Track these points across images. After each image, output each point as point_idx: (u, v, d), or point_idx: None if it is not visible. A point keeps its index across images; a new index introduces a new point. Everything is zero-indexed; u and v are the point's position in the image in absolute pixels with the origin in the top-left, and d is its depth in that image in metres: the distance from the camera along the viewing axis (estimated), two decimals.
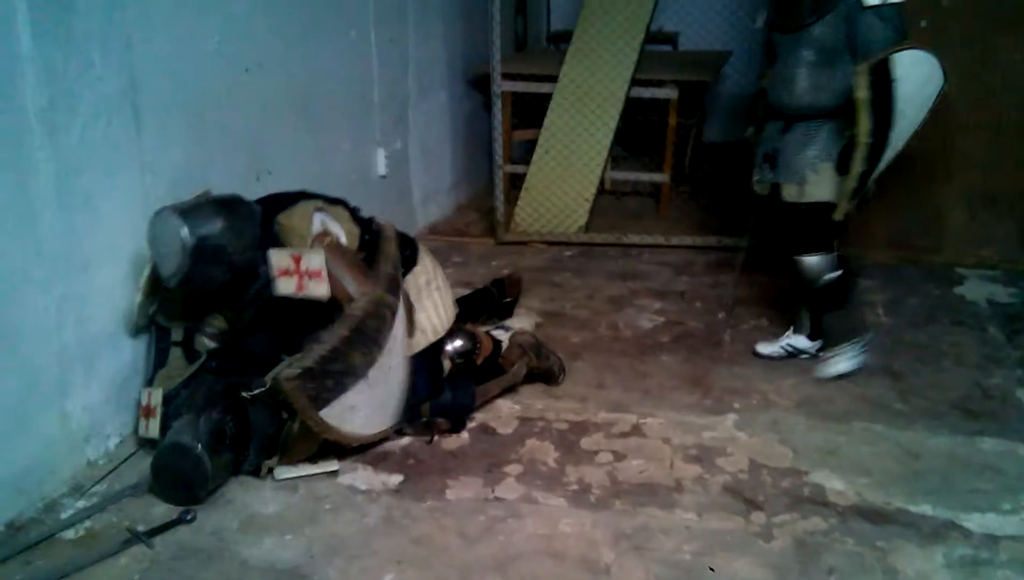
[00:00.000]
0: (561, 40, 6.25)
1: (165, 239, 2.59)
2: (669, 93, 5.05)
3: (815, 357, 3.44)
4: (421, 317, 3.00)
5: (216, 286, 2.72)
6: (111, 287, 2.76)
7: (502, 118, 4.89)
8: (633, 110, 5.14)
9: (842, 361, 3.34)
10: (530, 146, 5.12)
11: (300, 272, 2.65)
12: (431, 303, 3.05)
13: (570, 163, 4.90)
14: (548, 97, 5.04)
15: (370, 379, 2.68)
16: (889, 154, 3.06)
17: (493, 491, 2.65)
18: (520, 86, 5.15)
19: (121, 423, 2.86)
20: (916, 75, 2.96)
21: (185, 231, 2.56)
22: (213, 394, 2.70)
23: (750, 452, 2.84)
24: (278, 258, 2.67)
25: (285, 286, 2.66)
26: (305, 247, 2.72)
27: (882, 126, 2.97)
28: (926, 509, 2.54)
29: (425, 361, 2.98)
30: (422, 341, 2.98)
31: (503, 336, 3.40)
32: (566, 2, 6.69)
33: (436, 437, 2.91)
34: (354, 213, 3.00)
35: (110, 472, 2.70)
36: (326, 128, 3.94)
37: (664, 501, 2.60)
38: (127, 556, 2.37)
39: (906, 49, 2.95)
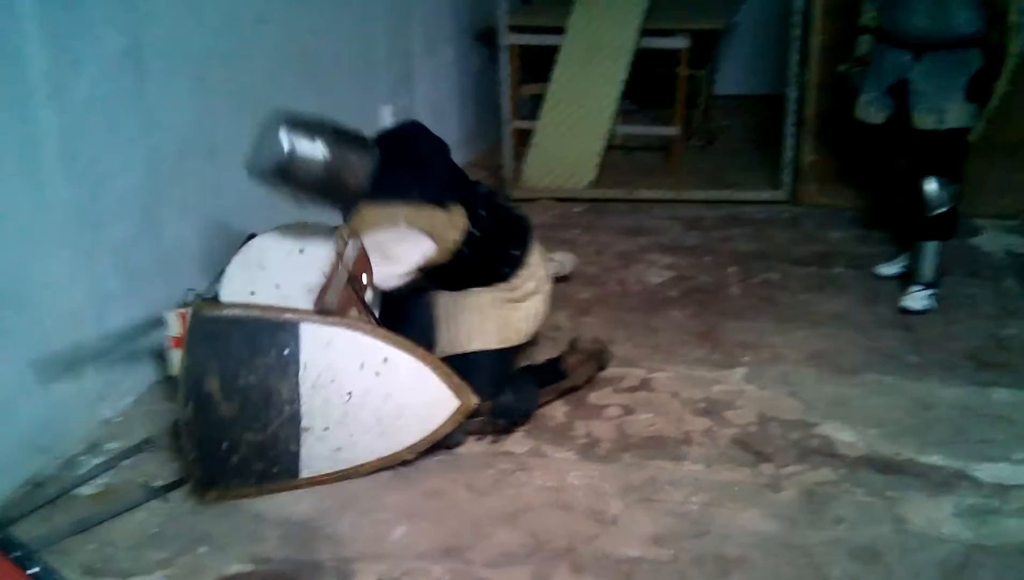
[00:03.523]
0: None
1: (265, 139, 2.44)
2: (680, 43, 4.96)
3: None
4: (488, 325, 2.78)
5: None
6: (121, 245, 2.77)
7: (509, 72, 4.83)
8: (643, 61, 5.06)
9: (920, 299, 3.40)
10: (538, 101, 5.06)
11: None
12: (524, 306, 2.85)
13: (579, 117, 4.84)
14: (556, 50, 4.96)
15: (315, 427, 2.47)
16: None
17: (502, 445, 2.67)
18: (527, 39, 5.06)
19: (136, 382, 2.89)
20: None
21: (284, 137, 2.39)
22: None
23: (759, 405, 2.84)
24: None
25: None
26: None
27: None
28: (936, 459, 2.53)
29: (488, 362, 2.76)
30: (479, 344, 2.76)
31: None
32: None
33: (494, 439, 2.71)
34: (471, 209, 2.70)
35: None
36: (331, 85, 3.90)
37: (672, 454, 2.61)
38: (144, 510, 2.41)
39: None
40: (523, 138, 5.05)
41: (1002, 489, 2.40)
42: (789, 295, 3.60)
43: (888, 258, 3.76)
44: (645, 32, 4.88)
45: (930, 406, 2.81)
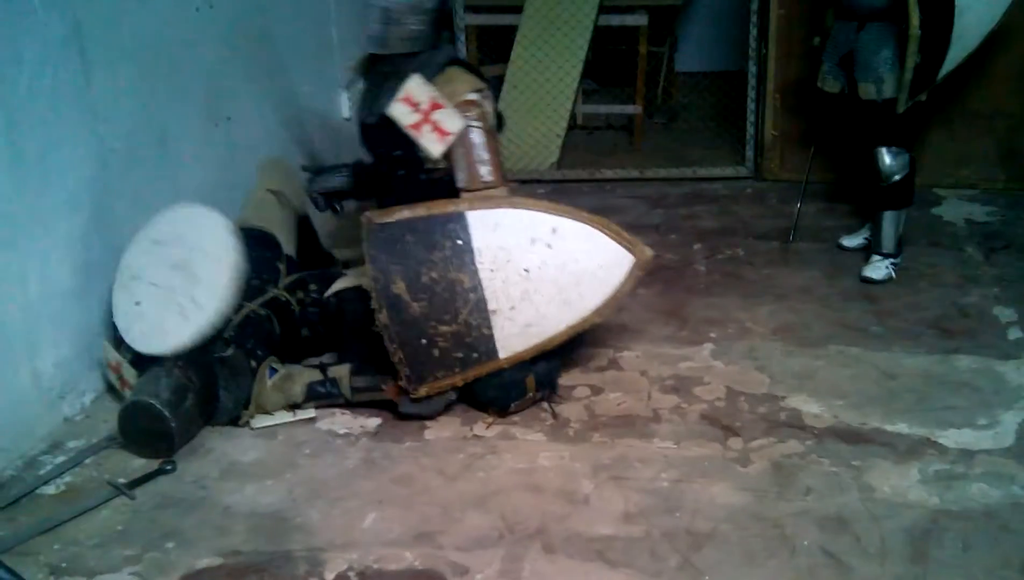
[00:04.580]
0: None
1: None
2: (638, 19, 4.94)
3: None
4: None
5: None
6: (73, 241, 2.70)
7: (467, 53, 4.78)
8: (603, 39, 5.04)
9: (879, 269, 3.45)
10: (498, 82, 5.02)
11: (428, 116, 2.57)
12: None
13: (539, 98, 4.81)
14: (514, 30, 4.92)
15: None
16: (955, 52, 3.22)
17: (471, 429, 2.66)
18: (484, 19, 5.02)
19: (95, 378, 2.84)
20: None
21: None
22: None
23: (727, 380, 2.85)
24: (416, 87, 2.57)
25: (402, 114, 2.58)
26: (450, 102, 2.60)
27: (940, 22, 3.13)
28: (902, 427, 2.56)
29: None
30: None
31: None
32: None
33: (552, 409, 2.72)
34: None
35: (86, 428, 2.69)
36: (285, 71, 3.84)
37: (642, 431, 2.61)
38: (109, 508, 2.36)
39: None
40: None
41: (967, 454, 2.44)
42: (754, 270, 3.63)
43: (851, 231, 3.79)
44: (603, 9, 4.86)
45: (895, 375, 2.84)
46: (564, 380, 2.88)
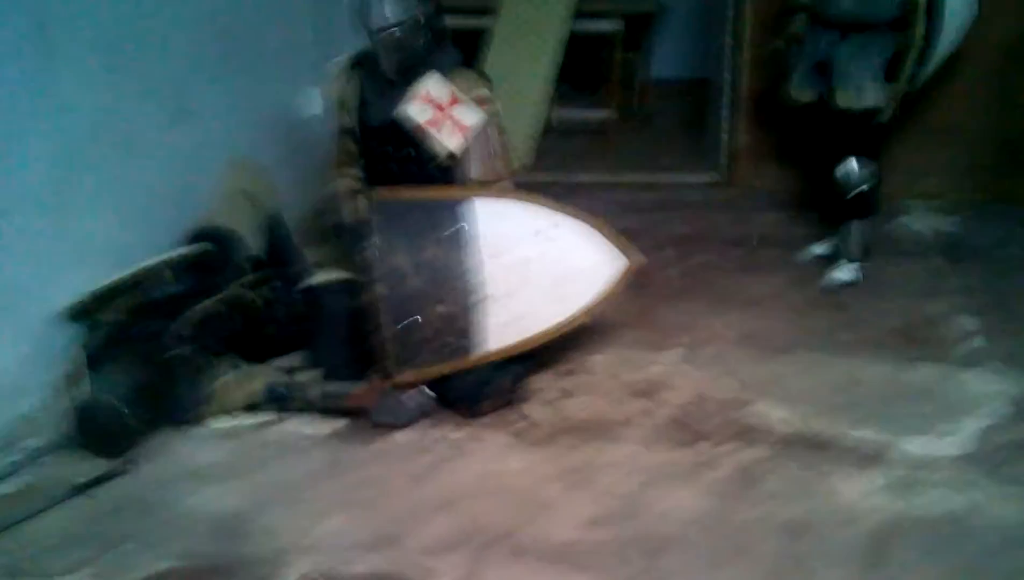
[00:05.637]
0: None
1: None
2: (612, 26, 4.96)
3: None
4: None
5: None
6: (32, 234, 2.64)
7: None
8: (577, 45, 5.05)
9: (848, 271, 3.50)
10: None
11: (446, 112, 2.63)
12: None
13: (514, 102, 4.79)
14: (489, 32, 4.91)
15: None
16: (935, 62, 3.32)
17: (440, 431, 2.64)
18: (457, 21, 4.99)
19: (53, 375, 2.78)
20: None
21: None
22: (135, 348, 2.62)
23: (696, 385, 2.86)
24: (436, 85, 2.64)
25: (418, 112, 2.65)
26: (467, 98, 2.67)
27: (930, 32, 3.20)
28: (866, 434, 2.58)
29: None
30: None
31: None
32: None
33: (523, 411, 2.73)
34: None
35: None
36: (255, 68, 3.78)
37: (610, 435, 2.61)
38: (68, 507, 2.32)
39: None
40: None
41: (929, 460, 2.46)
42: (725, 276, 3.64)
43: (818, 239, 3.82)
44: (578, 15, 4.87)
45: (860, 382, 2.86)
46: (534, 383, 2.86)
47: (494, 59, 4.87)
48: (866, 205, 3.49)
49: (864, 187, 3.44)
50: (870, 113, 3.35)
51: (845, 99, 3.36)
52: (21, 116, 2.57)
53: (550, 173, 4.78)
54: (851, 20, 3.33)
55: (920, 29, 3.18)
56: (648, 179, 4.70)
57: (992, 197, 4.21)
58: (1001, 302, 3.33)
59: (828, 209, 3.76)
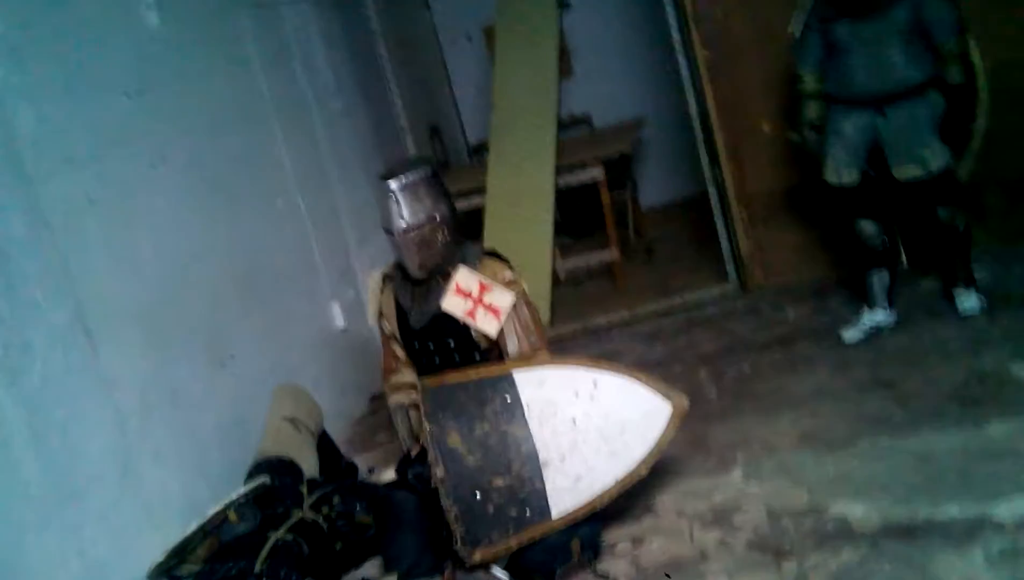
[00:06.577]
0: (483, 152, 6.38)
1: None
2: (595, 173, 5.14)
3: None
4: None
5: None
6: (105, 511, 2.68)
7: None
8: (567, 197, 5.22)
9: (973, 297, 3.56)
10: None
11: (479, 300, 2.77)
12: None
13: (519, 267, 4.91)
14: (482, 210, 5.10)
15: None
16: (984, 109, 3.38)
17: None
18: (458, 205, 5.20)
19: None
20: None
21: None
22: None
23: (765, 501, 2.77)
24: (465, 277, 2.79)
25: (454, 305, 2.78)
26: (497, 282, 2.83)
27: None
28: (953, 511, 2.47)
29: None
30: None
31: None
32: (478, 114, 6.84)
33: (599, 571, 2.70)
34: None
35: None
36: (276, 296, 3.94)
37: (693, 574, 2.52)
38: None
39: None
40: None
41: None
42: (763, 383, 3.59)
43: (848, 322, 3.77)
44: (560, 169, 5.06)
45: (931, 457, 2.76)
46: (603, 537, 2.79)
47: (492, 231, 5.03)
48: (968, 237, 3.56)
49: (959, 226, 3.52)
50: (945, 174, 3.36)
51: (909, 172, 3.38)
52: (73, 400, 2.67)
53: (568, 324, 4.84)
54: (880, 94, 3.34)
55: (982, 80, 3.23)
56: (664, 306, 4.73)
57: (1001, 241, 4.07)
58: None
59: (857, 288, 3.74)
